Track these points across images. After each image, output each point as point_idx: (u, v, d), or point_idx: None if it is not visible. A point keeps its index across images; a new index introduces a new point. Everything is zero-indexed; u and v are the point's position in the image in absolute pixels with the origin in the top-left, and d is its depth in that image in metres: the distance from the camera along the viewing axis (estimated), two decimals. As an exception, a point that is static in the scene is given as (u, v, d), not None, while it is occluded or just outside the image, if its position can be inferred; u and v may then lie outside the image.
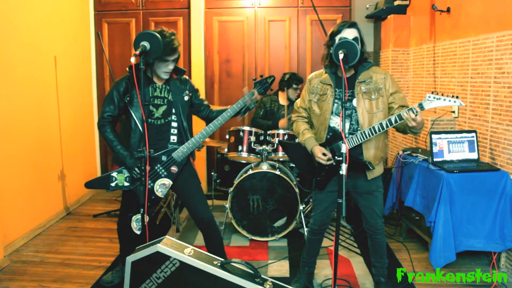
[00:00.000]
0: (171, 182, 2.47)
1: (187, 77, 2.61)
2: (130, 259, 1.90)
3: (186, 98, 2.54)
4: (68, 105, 4.17)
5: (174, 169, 2.46)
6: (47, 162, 3.78)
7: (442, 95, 2.07)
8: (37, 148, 3.62)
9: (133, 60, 1.99)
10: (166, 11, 4.70)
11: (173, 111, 2.49)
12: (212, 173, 3.95)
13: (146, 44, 2.06)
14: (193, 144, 2.46)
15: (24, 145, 3.43)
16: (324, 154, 2.32)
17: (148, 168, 2.16)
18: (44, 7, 3.76)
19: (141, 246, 1.96)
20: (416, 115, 2.07)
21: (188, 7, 4.66)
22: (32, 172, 3.54)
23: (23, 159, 3.41)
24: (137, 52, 2.02)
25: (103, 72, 4.83)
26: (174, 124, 2.50)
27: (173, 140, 2.50)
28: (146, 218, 2.24)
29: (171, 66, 2.39)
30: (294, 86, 3.97)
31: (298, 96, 4.04)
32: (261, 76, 2.60)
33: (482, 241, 2.71)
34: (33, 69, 3.59)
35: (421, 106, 2.08)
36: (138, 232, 2.37)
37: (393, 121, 2.16)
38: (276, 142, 3.49)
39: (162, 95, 2.46)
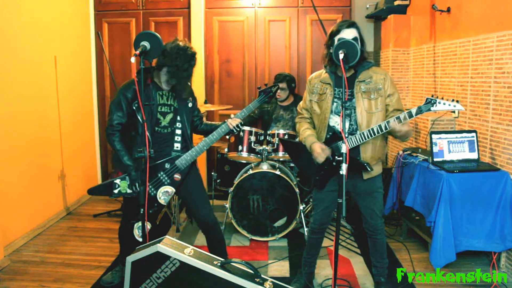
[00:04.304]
0: (174, 190, 2.46)
1: (189, 84, 2.60)
2: (130, 259, 1.90)
3: (190, 104, 2.55)
4: (68, 105, 4.17)
5: (177, 177, 2.45)
6: (47, 162, 3.79)
7: (437, 97, 2.08)
8: (37, 148, 3.62)
9: (133, 60, 1.99)
10: (166, 11, 4.70)
11: (178, 118, 2.48)
12: (212, 173, 3.94)
13: (146, 44, 2.06)
14: (197, 152, 2.46)
15: (24, 145, 3.43)
16: (323, 150, 2.32)
17: (148, 168, 2.16)
18: (44, 7, 3.76)
19: (141, 246, 1.97)
20: (402, 124, 2.11)
21: (188, 7, 4.66)
22: (32, 172, 3.54)
23: (23, 159, 3.41)
24: (137, 52, 2.02)
25: (103, 72, 4.83)
26: (179, 132, 2.49)
27: (177, 147, 2.49)
28: (148, 225, 2.23)
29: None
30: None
31: (285, 97, 3.98)
32: (266, 84, 2.63)
33: (482, 241, 2.71)
34: (33, 69, 3.58)
35: (409, 115, 2.11)
36: (140, 240, 2.37)
37: (383, 127, 2.19)
38: (276, 142, 3.49)
39: (169, 102, 2.45)
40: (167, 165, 2.44)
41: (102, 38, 4.61)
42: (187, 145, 2.51)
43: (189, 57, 2.35)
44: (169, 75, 2.37)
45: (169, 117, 2.45)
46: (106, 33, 4.78)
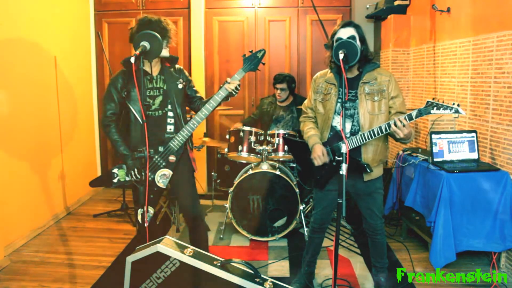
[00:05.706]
0: (171, 172, 2.46)
1: (181, 67, 2.61)
2: (130, 259, 1.90)
3: (180, 86, 2.53)
4: (68, 105, 4.17)
5: (172, 158, 2.46)
6: (47, 162, 3.79)
7: (438, 101, 2.07)
8: (37, 148, 3.62)
9: (133, 60, 1.99)
10: (166, 11, 4.70)
11: (169, 100, 2.49)
12: (212, 173, 3.95)
13: (146, 44, 2.06)
14: (188, 131, 2.44)
15: (24, 145, 3.43)
16: (323, 154, 2.31)
17: (148, 165, 2.18)
18: (44, 7, 3.76)
19: (141, 246, 1.97)
20: (403, 126, 2.09)
21: (188, 7, 4.66)
22: (32, 172, 3.54)
23: (23, 159, 3.41)
24: (137, 52, 2.02)
25: (103, 72, 4.83)
26: (171, 114, 2.49)
27: (170, 130, 2.50)
28: (151, 211, 2.32)
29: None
30: (276, 86, 3.94)
31: (285, 97, 3.97)
32: (251, 51, 2.43)
33: (482, 241, 2.71)
34: (33, 69, 3.59)
35: (410, 118, 2.10)
36: (145, 225, 2.39)
37: (383, 129, 2.17)
38: (276, 142, 3.49)
39: (158, 85, 2.46)
40: (160, 148, 2.45)
41: (102, 38, 4.61)
42: (178, 127, 2.50)
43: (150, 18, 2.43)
44: (167, 41, 2.45)
45: (158, 99, 2.46)
46: (106, 33, 4.78)
